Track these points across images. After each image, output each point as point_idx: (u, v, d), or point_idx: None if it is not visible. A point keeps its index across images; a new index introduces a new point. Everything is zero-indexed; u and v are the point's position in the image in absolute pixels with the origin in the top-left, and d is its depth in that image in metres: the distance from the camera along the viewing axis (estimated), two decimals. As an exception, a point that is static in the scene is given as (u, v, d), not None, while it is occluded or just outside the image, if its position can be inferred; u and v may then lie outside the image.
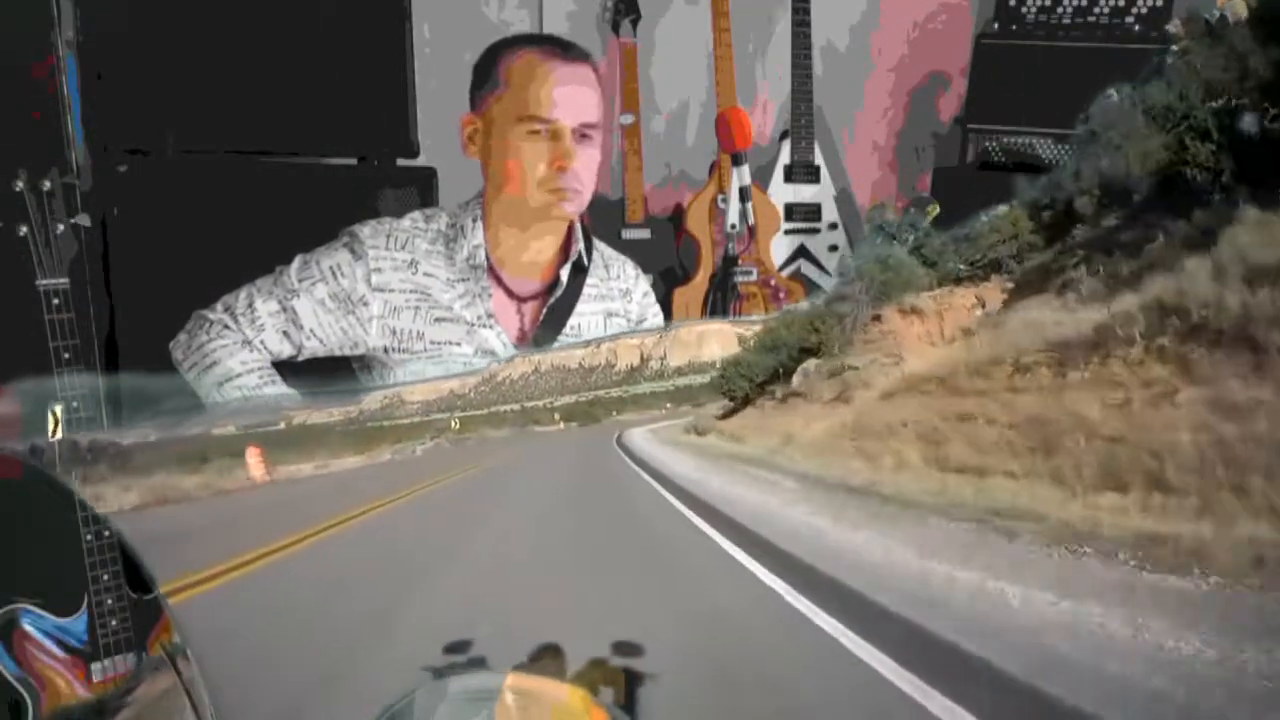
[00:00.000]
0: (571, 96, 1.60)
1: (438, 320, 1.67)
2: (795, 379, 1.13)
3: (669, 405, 1.19)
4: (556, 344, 1.71)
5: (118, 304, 2.27)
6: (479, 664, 0.94)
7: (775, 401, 1.14)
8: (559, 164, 1.59)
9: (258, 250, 1.72)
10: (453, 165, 2.62)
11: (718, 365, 1.19)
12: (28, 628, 1.56)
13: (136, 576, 1.57)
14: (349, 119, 2.48)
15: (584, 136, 1.61)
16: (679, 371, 1.20)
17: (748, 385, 1.16)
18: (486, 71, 1.65)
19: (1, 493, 1.39)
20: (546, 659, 0.94)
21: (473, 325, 1.68)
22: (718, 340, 1.22)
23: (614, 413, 1.19)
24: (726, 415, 1.19)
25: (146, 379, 1.39)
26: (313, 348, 1.66)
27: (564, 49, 1.63)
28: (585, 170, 1.62)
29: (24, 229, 1.52)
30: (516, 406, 1.19)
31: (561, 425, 1.17)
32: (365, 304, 1.64)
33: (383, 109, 2.53)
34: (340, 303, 1.64)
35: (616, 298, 1.84)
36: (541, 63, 1.60)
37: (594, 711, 0.85)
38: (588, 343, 1.29)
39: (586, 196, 1.66)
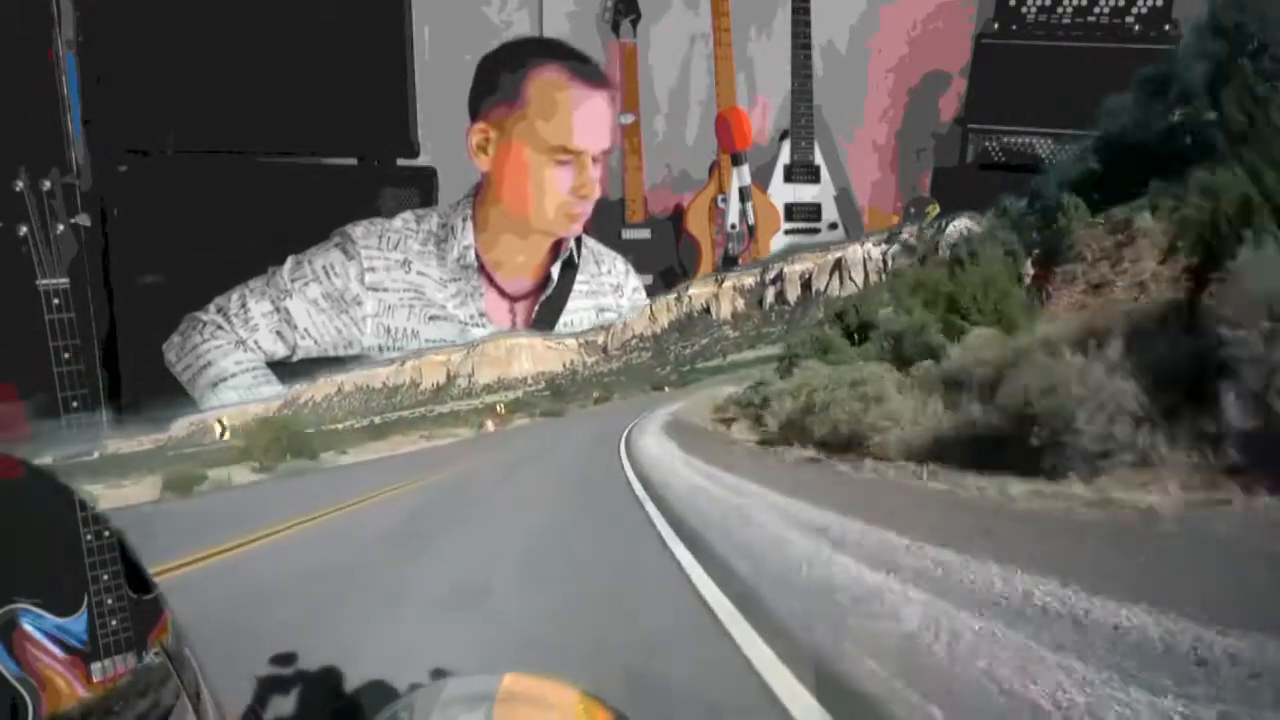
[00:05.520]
0: (595, 126, 1.58)
1: (432, 319, 1.67)
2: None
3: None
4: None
5: (118, 304, 2.27)
6: None
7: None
8: (582, 192, 1.58)
9: (258, 250, 1.72)
10: (453, 165, 2.62)
11: (529, 381, 1.14)
12: (28, 628, 1.56)
13: (136, 576, 1.57)
14: (349, 119, 2.48)
15: (596, 160, 1.61)
16: (488, 389, 1.16)
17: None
18: (493, 80, 1.61)
19: (1, 493, 1.39)
20: None
21: (465, 324, 1.68)
22: (528, 355, 1.18)
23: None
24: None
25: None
26: (307, 347, 1.65)
27: (584, 71, 1.60)
28: (598, 192, 1.62)
29: (24, 229, 1.52)
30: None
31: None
32: (359, 303, 1.64)
33: (383, 109, 2.53)
34: (334, 302, 1.64)
35: (608, 293, 1.84)
36: (566, 87, 1.56)
37: (595, 711, 0.85)
38: (390, 360, 1.24)
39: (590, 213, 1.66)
